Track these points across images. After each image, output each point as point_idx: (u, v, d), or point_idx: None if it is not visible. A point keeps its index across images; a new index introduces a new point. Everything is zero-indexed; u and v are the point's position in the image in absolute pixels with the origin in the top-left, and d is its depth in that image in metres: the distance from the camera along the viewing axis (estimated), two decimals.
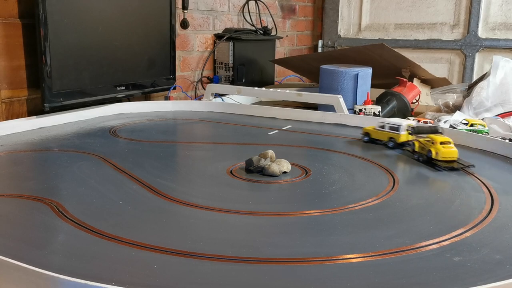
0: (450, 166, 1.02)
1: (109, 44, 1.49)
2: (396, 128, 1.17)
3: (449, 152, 1.03)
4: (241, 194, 0.89)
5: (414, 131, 1.14)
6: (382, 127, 1.20)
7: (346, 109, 1.54)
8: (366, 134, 1.24)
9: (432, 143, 1.04)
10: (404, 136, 1.16)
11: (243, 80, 2.14)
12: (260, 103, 1.95)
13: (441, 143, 1.03)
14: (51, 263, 0.59)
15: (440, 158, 1.02)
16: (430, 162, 1.04)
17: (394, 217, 0.77)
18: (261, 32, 2.32)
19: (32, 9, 1.27)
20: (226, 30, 2.17)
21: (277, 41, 2.50)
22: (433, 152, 1.03)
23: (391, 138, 1.18)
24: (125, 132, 1.31)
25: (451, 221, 0.76)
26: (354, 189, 0.91)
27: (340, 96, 1.56)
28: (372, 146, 1.24)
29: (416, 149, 1.09)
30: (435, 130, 1.12)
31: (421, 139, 1.09)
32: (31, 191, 0.84)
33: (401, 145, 1.17)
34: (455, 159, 1.03)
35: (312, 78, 2.32)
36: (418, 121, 1.45)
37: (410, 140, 1.14)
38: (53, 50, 1.30)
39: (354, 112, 1.55)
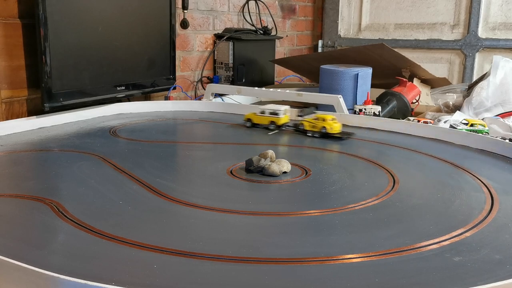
0: (340, 136, 1.27)
1: (109, 44, 1.49)
2: (276, 113, 1.34)
3: (339, 126, 1.29)
4: (241, 194, 0.89)
5: (303, 113, 1.37)
6: (263, 112, 1.36)
7: (346, 109, 1.54)
8: (248, 120, 1.39)
9: (323, 120, 1.27)
10: (283, 119, 1.35)
11: (243, 80, 2.14)
12: (260, 103, 1.95)
13: (331, 120, 1.28)
14: (51, 263, 0.59)
15: (333, 132, 1.26)
16: (324, 136, 1.27)
17: (394, 217, 0.77)
18: (261, 32, 2.33)
19: (32, 9, 1.27)
20: (226, 30, 2.17)
21: (277, 41, 2.50)
22: (328, 128, 1.26)
23: (272, 122, 1.35)
24: (125, 132, 1.31)
25: (451, 221, 0.76)
26: (354, 189, 0.91)
27: (340, 96, 1.56)
28: (371, 146, 1.24)
29: (307, 128, 1.30)
30: (312, 112, 1.39)
31: (309, 119, 1.30)
32: (31, 191, 0.84)
33: (280, 127, 1.35)
34: (340, 131, 1.29)
35: (312, 78, 2.32)
36: (418, 121, 1.45)
37: (287, 123, 1.36)
38: (53, 50, 1.30)
39: (354, 112, 1.55)
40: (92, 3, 1.41)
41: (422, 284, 0.57)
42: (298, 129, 1.33)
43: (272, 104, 1.41)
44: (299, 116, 1.37)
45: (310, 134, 1.29)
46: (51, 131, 1.29)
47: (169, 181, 0.94)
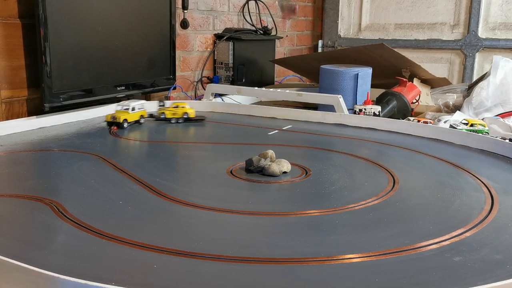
0: (200, 119, 1.47)
1: (109, 44, 1.49)
2: (127, 108, 1.39)
3: (194, 112, 1.48)
4: (241, 194, 0.89)
5: (163, 104, 1.58)
6: (127, 109, 1.41)
7: (346, 109, 1.54)
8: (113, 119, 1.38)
9: (183, 107, 1.45)
10: (133, 115, 1.40)
11: (243, 80, 2.14)
12: (260, 103, 1.95)
13: (188, 107, 1.47)
14: (51, 263, 0.59)
15: (192, 116, 1.46)
16: (187, 120, 1.45)
17: (394, 217, 0.77)
18: (261, 32, 2.33)
19: (32, 9, 1.27)
20: (226, 30, 2.17)
21: (277, 41, 2.50)
22: (190, 113, 1.45)
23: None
24: (125, 132, 1.31)
25: (451, 221, 0.76)
26: (354, 189, 0.91)
27: (340, 96, 1.56)
28: (371, 146, 1.24)
29: (169, 116, 1.45)
30: (163, 103, 1.59)
31: (169, 109, 1.46)
32: (31, 191, 0.84)
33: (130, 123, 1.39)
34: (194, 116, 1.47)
35: (312, 78, 2.32)
36: (418, 121, 1.44)
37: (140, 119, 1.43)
38: (53, 50, 1.30)
39: (354, 112, 1.55)
40: (92, 3, 1.41)
41: (422, 284, 0.57)
42: (159, 118, 1.46)
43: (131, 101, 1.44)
44: (160, 106, 1.56)
45: (173, 122, 1.44)
46: (51, 131, 1.29)
47: (169, 181, 0.94)
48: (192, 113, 1.46)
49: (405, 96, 1.71)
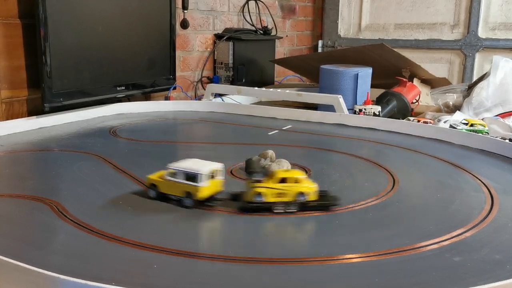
0: (327, 204, 0.78)
1: (109, 44, 1.49)
2: (193, 176, 0.76)
3: (313, 186, 0.77)
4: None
5: (254, 169, 0.87)
6: (174, 174, 0.78)
7: (346, 109, 1.54)
8: (153, 186, 0.81)
9: (296, 181, 0.76)
10: (205, 189, 0.76)
11: (243, 80, 2.14)
12: (260, 103, 1.95)
13: (305, 177, 0.78)
14: (51, 263, 0.59)
15: (314, 198, 0.77)
16: (303, 208, 0.76)
17: (394, 217, 0.77)
18: (261, 32, 2.32)
19: (32, 9, 1.27)
20: (226, 30, 2.17)
21: (277, 41, 2.50)
22: (306, 193, 0.76)
23: (187, 192, 0.77)
24: (125, 132, 1.31)
25: (451, 221, 0.76)
26: (354, 189, 0.91)
27: (340, 96, 1.56)
28: (371, 146, 1.24)
29: (270, 199, 0.75)
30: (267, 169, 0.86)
31: (263, 185, 0.76)
32: (31, 191, 0.84)
33: (204, 202, 0.78)
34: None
35: (312, 78, 2.31)
36: (418, 121, 1.44)
37: (216, 193, 0.79)
38: (53, 50, 1.30)
39: (354, 112, 1.55)
40: (92, 3, 1.41)
41: (422, 284, 0.57)
42: (252, 204, 0.75)
43: (194, 160, 0.83)
44: (250, 180, 0.82)
45: (281, 210, 0.76)
46: (51, 131, 1.29)
47: None
48: (312, 191, 0.76)
49: (405, 96, 1.71)
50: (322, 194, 0.79)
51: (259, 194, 0.75)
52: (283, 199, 0.75)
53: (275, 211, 0.75)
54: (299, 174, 0.77)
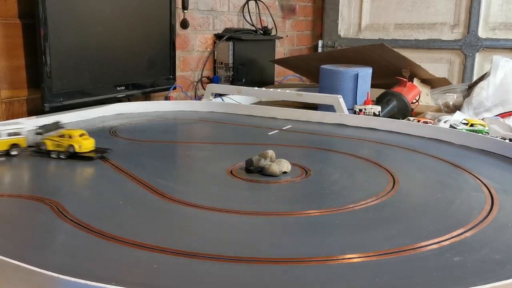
0: (91, 156, 1.04)
1: (109, 44, 1.49)
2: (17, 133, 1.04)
3: (90, 142, 1.05)
4: (241, 194, 0.89)
5: (44, 130, 1.07)
6: None
7: (346, 109, 1.54)
8: None
9: (70, 137, 1.03)
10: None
11: (243, 80, 2.14)
12: (260, 103, 1.95)
13: (80, 136, 1.04)
14: (51, 263, 0.59)
15: (83, 150, 1.03)
16: (73, 156, 1.02)
17: (394, 217, 0.77)
18: (261, 32, 2.32)
19: (32, 9, 1.27)
20: (226, 30, 2.17)
21: (277, 41, 2.50)
22: (76, 146, 1.02)
23: (13, 144, 1.04)
24: (125, 132, 1.31)
25: (451, 221, 0.76)
26: (354, 189, 0.91)
27: (340, 96, 1.56)
28: (371, 146, 1.24)
29: (50, 147, 1.04)
30: (59, 126, 1.09)
31: (51, 137, 1.04)
32: (31, 191, 0.84)
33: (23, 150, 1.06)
34: (93, 149, 1.06)
35: (312, 78, 2.31)
36: (418, 121, 1.44)
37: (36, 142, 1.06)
38: (53, 50, 1.30)
39: (354, 112, 1.55)
40: (92, 3, 1.41)
41: (422, 284, 0.57)
42: (39, 150, 1.06)
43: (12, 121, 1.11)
44: (38, 134, 1.07)
45: (54, 156, 1.03)
46: None
47: (169, 181, 0.94)
48: (83, 146, 1.03)
49: (405, 96, 1.71)
50: (99, 150, 1.06)
51: (44, 143, 1.05)
52: (59, 149, 1.03)
53: (51, 155, 1.04)
54: (76, 133, 1.04)
